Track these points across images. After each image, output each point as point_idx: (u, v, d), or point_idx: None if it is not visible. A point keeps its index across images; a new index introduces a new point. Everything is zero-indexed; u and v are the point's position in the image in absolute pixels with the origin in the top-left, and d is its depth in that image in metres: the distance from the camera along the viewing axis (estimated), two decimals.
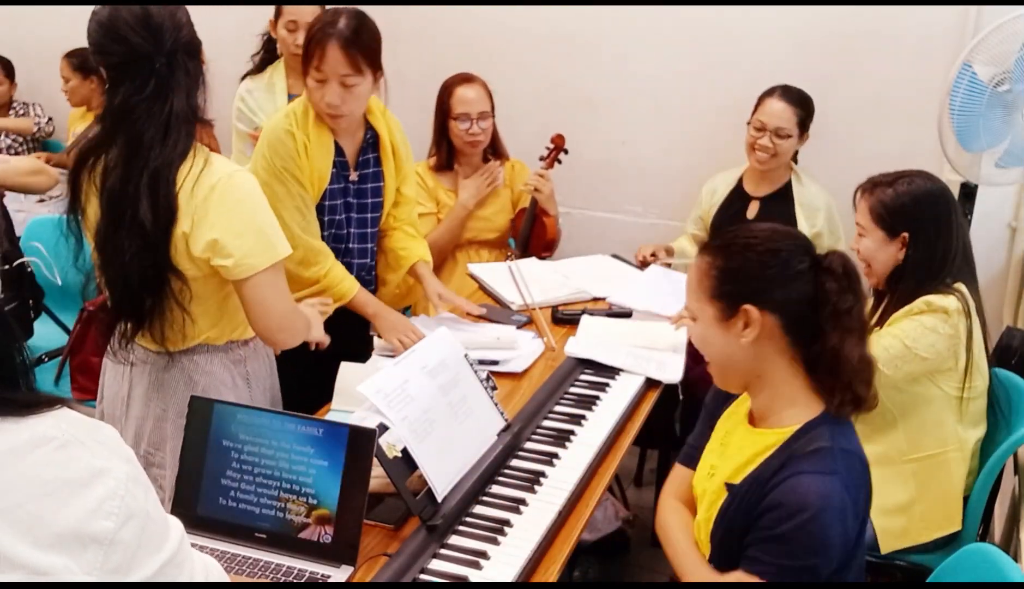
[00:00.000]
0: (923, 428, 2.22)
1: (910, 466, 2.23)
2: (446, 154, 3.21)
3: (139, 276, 1.81)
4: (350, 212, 2.53)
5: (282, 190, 2.35)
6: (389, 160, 2.51)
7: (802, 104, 3.09)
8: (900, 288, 2.21)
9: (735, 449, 1.64)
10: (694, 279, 1.61)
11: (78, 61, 4.32)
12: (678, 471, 1.85)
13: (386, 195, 2.55)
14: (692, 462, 1.79)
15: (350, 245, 2.55)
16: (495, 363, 2.35)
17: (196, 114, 1.83)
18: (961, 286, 2.19)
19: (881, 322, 2.23)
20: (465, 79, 3.15)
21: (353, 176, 2.50)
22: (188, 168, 1.79)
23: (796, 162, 3.24)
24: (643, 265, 3.18)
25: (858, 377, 1.53)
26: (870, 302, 2.23)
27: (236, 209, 1.80)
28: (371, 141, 2.50)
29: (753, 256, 1.54)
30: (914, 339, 2.13)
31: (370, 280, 2.64)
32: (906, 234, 2.18)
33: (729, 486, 1.57)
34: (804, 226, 3.08)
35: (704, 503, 1.67)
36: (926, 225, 2.17)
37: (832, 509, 1.43)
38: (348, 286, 2.44)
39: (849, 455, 1.50)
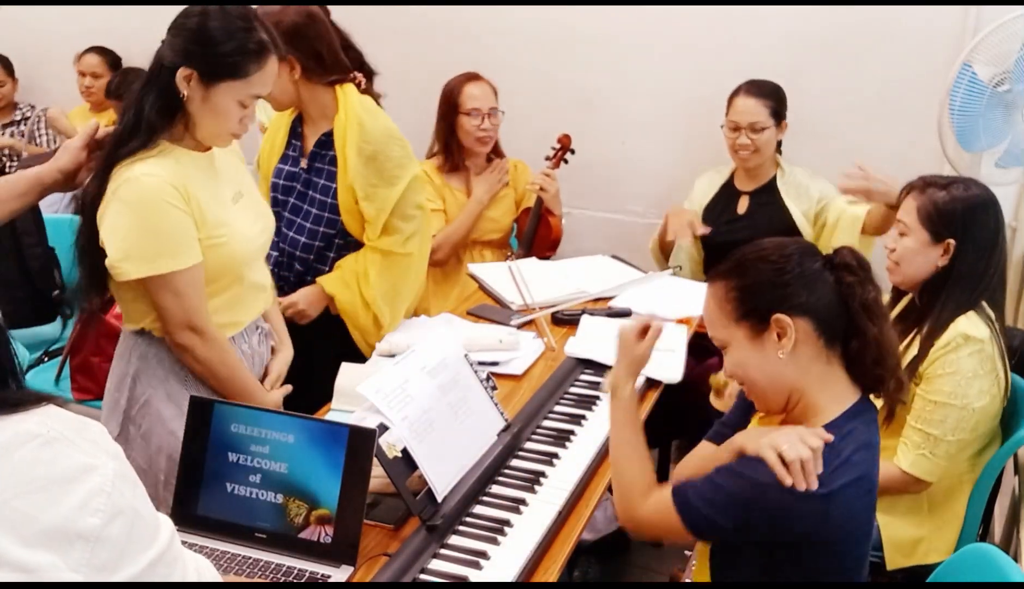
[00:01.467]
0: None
1: (923, 493, 2.17)
2: (457, 154, 3.20)
3: (87, 253, 1.86)
4: (290, 196, 2.52)
5: None
6: (342, 168, 2.43)
7: (771, 94, 3.05)
8: (942, 300, 2.09)
9: None
10: (714, 308, 1.58)
11: (111, 59, 4.19)
12: (704, 446, 1.78)
13: (340, 203, 2.44)
14: (720, 440, 1.74)
15: (278, 227, 2.47)
16: (495, 363, 2.35)
17: (152, 126, 1.81)
18: (986, 307, 2.10)
19: (908, 329, 2.14)
20: (471, 77, 3.16)
21: (303, 163, 2.51)
22: (123, 166, 1.80)
23: (780, 152, 3.19)
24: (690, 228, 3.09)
25: (899, 361, 1.58)
26: (886, 296, 2.17)
27: (122, 212, 1.79)
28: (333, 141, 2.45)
29: (768, 266, 1.53)
30: (965, 397, 2.03)
31: (286, 277, 2.54)
32: (951, 241, 2.08)
33: None
34: (798, 207, 3.05)
35: None
36: (975, 236, 2.07)
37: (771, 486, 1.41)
38: None
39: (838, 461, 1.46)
